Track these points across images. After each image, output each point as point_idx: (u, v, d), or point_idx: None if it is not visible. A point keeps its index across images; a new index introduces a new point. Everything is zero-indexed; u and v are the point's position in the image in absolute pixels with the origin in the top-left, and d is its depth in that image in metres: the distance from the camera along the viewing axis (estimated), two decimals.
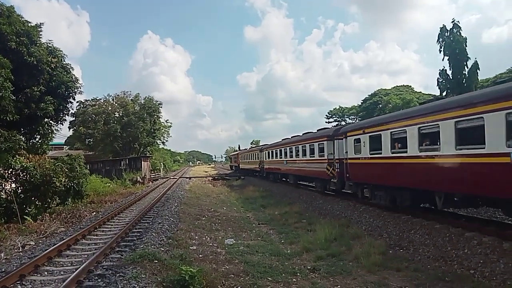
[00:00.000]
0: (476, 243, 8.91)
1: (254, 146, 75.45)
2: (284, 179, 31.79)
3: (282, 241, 12.41)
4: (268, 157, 35.43)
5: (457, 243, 9.26)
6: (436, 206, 11.62)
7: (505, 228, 9.60)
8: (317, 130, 23.25)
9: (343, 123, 65.29)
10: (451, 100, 11.45)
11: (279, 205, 20.63)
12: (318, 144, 20.91)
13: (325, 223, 13.34)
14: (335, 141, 18.77)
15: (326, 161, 19.35)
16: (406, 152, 12.01)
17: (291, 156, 27.06)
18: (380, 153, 13.73)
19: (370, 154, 14.53)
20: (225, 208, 20.92)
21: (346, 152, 16.84)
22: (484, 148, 8.66)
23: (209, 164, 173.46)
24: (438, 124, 10.41)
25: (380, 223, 12.90)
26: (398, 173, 12.90)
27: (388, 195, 13.95)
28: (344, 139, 17.31)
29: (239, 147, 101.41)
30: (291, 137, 30.07)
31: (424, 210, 12.97)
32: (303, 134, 26.59)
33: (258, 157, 41.72)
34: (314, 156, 21.55)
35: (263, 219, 17.12)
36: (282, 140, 33.04)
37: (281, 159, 30.26)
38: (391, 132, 13.00)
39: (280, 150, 30.45)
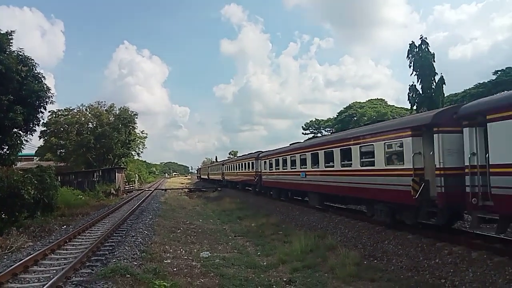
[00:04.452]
0: (446, 252, 9.16)
1: (231, 156, 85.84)
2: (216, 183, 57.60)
3: (259, 253, 12.36)
4: (211, 171, 65.57)
5: (429, 253, 9.49)
6: (237, 187, 41.76)
7: (474, 238, 9.92)
8: (221, 160, 67.99)
9: (319, 135, 66.35)
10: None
11: (256, 216, 20.58)
12: (219, 166, 55.70)
13: (301, 235, 13.35)
14: (224, 165, 49.26)
15: (221, 173, 49.94)
16: (235, 171, 41.02)
17: (214, 171, 60.55)
18: (231, 172, 43.85)
19: (228, 171, 45.84)
20: (201, 220, 20.67)
21: (224, 171, 49.21)
22: (333, 165, 15.73)
23: (186, 176, 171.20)
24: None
25: (355, 234, 13.06)
26: (231, 177, 43.63)
27: (232, 185, 43.72)
28: (225, 165, 48.63)
29: (216, 159, 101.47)
30: (216, 161, 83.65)
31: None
32: (215, 161, 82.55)
33: (207, 171, 70.85)
34: (219, 171, 52.55)
35: (239, 231, 17.02)
36: (219, 161, 73.70)
37: (212, 172, 62.82)
38: (225, 165, 49.40)
39: (212, 168, 66.26)
